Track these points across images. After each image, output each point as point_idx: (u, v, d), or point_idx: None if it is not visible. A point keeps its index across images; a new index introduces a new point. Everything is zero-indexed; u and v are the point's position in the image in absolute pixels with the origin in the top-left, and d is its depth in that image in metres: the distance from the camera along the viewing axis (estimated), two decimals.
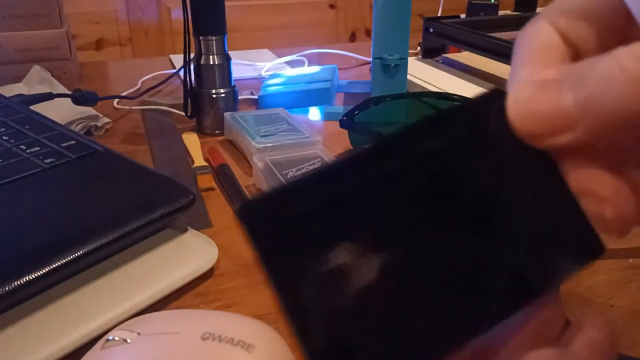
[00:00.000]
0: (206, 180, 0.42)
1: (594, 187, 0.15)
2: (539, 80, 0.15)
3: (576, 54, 0.16)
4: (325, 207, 0.14)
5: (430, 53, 0.74)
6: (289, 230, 0.13)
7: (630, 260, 0.33)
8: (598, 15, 0.15)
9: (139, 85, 0.65)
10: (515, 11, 0.93)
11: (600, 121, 0.13)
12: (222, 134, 0.51)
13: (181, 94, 0.52)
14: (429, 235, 0.14)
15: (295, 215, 0.13)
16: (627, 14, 0.14)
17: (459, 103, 0.17)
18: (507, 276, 0.15)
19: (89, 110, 0.52)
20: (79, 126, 0.50)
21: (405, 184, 0.14)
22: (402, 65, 0.54)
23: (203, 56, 0.50)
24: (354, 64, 0.76)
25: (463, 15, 0.82)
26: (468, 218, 0.15)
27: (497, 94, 0.15)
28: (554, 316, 0.16)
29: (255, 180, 0.41)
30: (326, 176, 0.14)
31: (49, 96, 0.50)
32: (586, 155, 0.15)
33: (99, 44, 1.46)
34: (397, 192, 0.14)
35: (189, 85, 0.51)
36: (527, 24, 0.17)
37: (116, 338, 0.23)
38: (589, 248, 0.16)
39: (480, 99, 0.16)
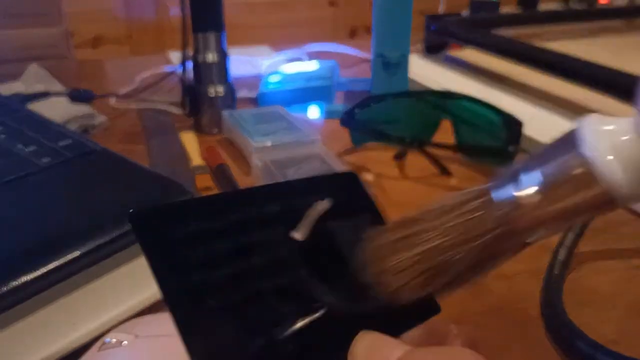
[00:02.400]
0: (204, 180, 0.41)
1: None
2: None
3: None
4: (194, 231, 0.17)
5: (432, 50, 0.73)
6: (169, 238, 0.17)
7: (633, 261, 0.33)
8: None
9: (136, 84, 0.64)
10: (516, 9, 0.93)
11: None
12: (220, 132, 0.51)
13: (179, 92, 0.51)
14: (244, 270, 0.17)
15: (176, 230, 0.17)
16: None
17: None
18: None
19: (86, 109, 0.51)
20: (76, 125, 0.50)
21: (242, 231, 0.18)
22: (403, 63, 0.53)
23: (201, 54, 0.50)
24: (354, 62, 0.76)
25: (465, 13, 0.82)
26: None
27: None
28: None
29: (254, 180, 0.41)
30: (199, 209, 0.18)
31: (46, 94, 0.50)
32: None
33: (97, 42, 1.46)
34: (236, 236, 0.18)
35: (186, 83, 0.51)
36: None
37: (113, 340, 0.23)
38: (426, 308, 0.18)
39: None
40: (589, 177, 0.15)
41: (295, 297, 0.17)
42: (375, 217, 0.20)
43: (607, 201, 0.16)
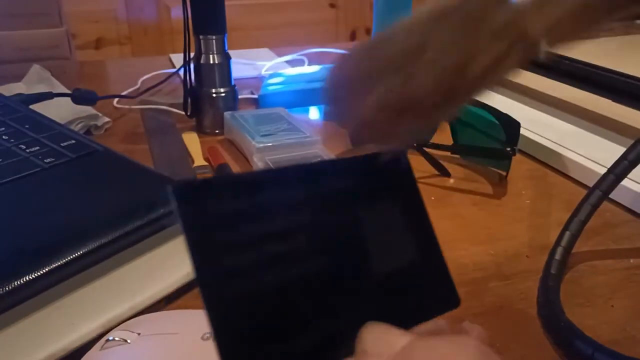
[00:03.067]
0: None
1: None
2: None
3: None
4: (246, 207, 0.16)
5: None
6: (214, 215, 0.16)
7: (631, 260, 0.33)
8: None
9: (138, 85, 0.64)
10: None
11: None
12: (222, 133, 0.51)
13: (181, 93, 0.52)
14: (317, 255, 0.17)
15: (221, 207, 0.16)
16: None
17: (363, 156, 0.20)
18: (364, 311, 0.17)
19: (88, 110, 0.51)
20: (79, 126, 0.50)
21: (309, 209, 0.18)
22: None
23: (203, 55, 0.50)
24: None
25: None
26: (350, 250, 0.18)
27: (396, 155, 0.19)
28: None
29: None
30: (252, 182, 0.17)
31: (48, 95, 0.50)
32: None
33: (99, 43, 1.46)
34: (304, 214, 0.17)
35: (188, 85, 0.51)
36: None
37: (116, 338, 0.23)
38: (446, 300, 0.19)
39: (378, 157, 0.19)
40: None
41: (329, 283, 0.17)
42: (416, 203, 0.20)
43: None
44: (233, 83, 0.52)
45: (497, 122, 0.42)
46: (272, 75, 0.65)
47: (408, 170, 0.20)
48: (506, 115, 0.43)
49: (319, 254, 0.17)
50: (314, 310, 0.17)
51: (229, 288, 0.15)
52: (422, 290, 0.19)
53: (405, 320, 0.17)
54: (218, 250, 0.16)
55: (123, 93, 0.61)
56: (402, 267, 0.19)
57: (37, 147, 0.36)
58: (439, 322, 0.18)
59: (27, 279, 0.25)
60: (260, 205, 0.17)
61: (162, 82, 0.64)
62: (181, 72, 0.52)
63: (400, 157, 0.20)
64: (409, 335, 0.16)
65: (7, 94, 0.46)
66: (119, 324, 0.25)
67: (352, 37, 1.69)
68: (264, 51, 0.80)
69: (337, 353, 0.16)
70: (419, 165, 0.44)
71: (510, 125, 0.42)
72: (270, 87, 0.60)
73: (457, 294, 0.19)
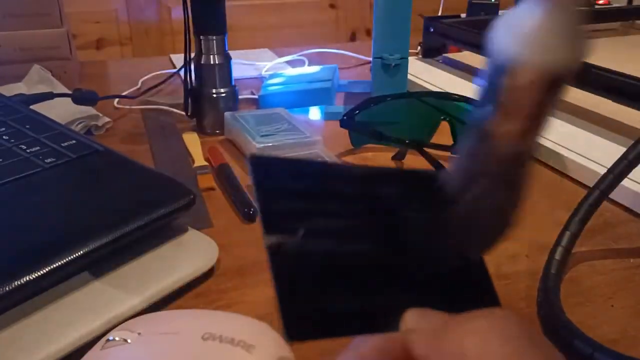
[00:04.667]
0: (207, 180, 0.42)
1: None
2: None
3: None
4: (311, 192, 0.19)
5: (430, 53, 0.73)
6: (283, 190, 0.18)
7: (631, 260, 0.33)
8: None
9: (139, 85, 0.65)
10: None
11: None
12: (222, 133, 0.51)
13: (181, 93, 0.52)
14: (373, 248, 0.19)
15: (290, 183, 0.18)
16: None
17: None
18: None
19: (89, 110, 0.52)
20: (79, 126, 0.50)
21: (364, 202, 0.19)
22: (402, 65, 0.54)
23: (203, 56, 0.50)
24: (354, 64, 0.76)
25: (463, 15, 0.82)
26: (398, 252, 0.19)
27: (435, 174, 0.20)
28: None
29: None
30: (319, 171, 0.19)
31: (49, 96, 0.50)
32: None
33: (99, 44, 1.46)
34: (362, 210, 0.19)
35: (189, 85, 0.51)
36: None
37: (116, 338, 0.23)
38: (486, 304, 0.19)
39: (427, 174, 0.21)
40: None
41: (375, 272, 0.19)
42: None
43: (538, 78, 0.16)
44: (233, 83, 0.52)
45: None
46: (272, 76, 0.65)
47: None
48: None
49: (370, 240, 0.19)
50: (363, 287, 0.18)
51: (291, 246, 0.17)
52: (464, 293, 0.20)
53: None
54: (283, 210, 0.18)
55: (124, 93, 0.61)
56: (445, 270, 0.20)
57: (38, 147, 0.36)
58: None
59: (27, 279, 0.25)
60: (324, 186, 0.19)
61: (162, 83, 0.64)
62: (182, 73, 0.52)
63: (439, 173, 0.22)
64: (448, 315, 0.16)
65: (7, 94, 0.46)
66: (119, 324, 0.25)
67: (352, 37, 1.69)
68: (264, 51, 0.81)
69: (381, 329, 0.17)
70: (418, 165, 0.44)
71: None
72: (271, 88, 0.60)
73: (498, 298, 0.20)
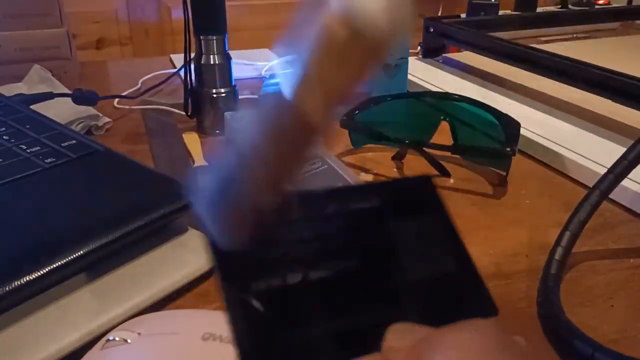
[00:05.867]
0: None
1: None
2: None
3: None
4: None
5: (430, 53, 0.73)
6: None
7: (631, 260, 0.33)
8: None
9: (139, 85, 0.65)
10: (515, 11, 0.93)
11: None
12: (222, 133, 0.51)
13: (182, 93, 0.52)
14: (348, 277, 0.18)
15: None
16: None
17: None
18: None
19: (89, 110, 0.52)
20: (79, 126, 0.50)
21: (339, 222, 0.19)
22: (402, 65, 0.54)
23: (203, 56, 0.50)
24: None
25: (463, 15, 0.82)
26: (379, 267, 0.19)
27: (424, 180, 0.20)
28: None
29: None
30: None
31: (49, 96, 0.50)
32: None
33: (99, 44, 1.46)
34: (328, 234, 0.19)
35: (189, 85, 0.51)
36: None
37: (117, 338, 0.23)
38: (482, 310, 0.19)
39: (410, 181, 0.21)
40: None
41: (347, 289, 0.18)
42: (445, 220, 0.21)
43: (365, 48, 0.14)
44: (233, 83, 0.52)
45: (497, 122, 0.42)
46: (272, 76, 0.65)
47: (433, 191, 0.21)
48: (506, 115, 0.43)
49: (345, 259, 0.18)
50: (339, 309, 0.17)
51: (251, 285, 0.17)
52: (456, 300, 0.19)
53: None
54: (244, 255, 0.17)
55: (124, 93, 0.61)
56: (435, 278, 0.19)
57: (38, 147, 0.36)
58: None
59: (27, 279, 0.25)
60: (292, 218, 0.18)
61: (162, 83, 0.64)
62: (182, 73, 0.52)
63: (426, 180, 0.21)
64: (428, 329, 0.16)
65: (7, 94, 0.46)
66: (119, 324, 0.25)
67: None
68: (265, 52, 0.81)
69: (363, 349, 0.17)
70: (419, 165, 0.44)
71: (510, 125, 0.42)
72: (271, 88, 0.60)
73: (494, 303, 0.19)
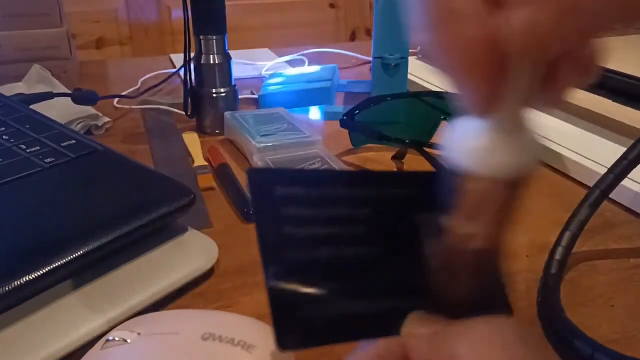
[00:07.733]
0: (207, 180, 0.42)
1: None
2: None
3: None
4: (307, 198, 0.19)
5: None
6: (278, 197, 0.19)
7: (631, 260, 0.33)
8: None
9: (139, 85, 0.65)
10: None
11: None
12: (222, 133, 0.51)
13: (181, 93, 0.52)
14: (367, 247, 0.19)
15: (286, 193, 0.19)
16: None
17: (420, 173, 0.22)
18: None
19: (89, 110, 0.52)
20: (79, 126, 0.50)
21: (368, 209, 0.20)
22: (402, 65, 0.54)
23: (203, 56, 0.50)
24: (354, 64, 0.76)
25: None
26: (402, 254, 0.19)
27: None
28: None
29: None
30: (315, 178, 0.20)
31: (49, 96, 0.50)
32: None
33: (99, 44, 1.46)
34: (361, 213, 0.19)
35: (189, 85, 0.51)
36: None
37: (116, 338, 0.23)
38: (498, 310, 0.19)
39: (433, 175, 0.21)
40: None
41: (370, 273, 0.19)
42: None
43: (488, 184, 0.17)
44: (233, 83, 0.52)
45: None
46: (272, 76, 0.65)
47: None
48: None
49: (373, 244, 0.19)
50: (365, 291, 0.18)
51: (286, 254, 0.18)
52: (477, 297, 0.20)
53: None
54: (280, 222, 0.18)
55: (123, 93, 0.61)
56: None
57: (38, 147, 0.36)
58: None
59: (27, 279, 0.25)
60: (322, 195, 0.19)
61: (162, 83, 0.64)
62: (182, 73, 0.52)
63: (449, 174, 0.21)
64: (446, 320, 0.17)
65: (7, 94, 0.46)
66: (119, 324, 0.25)
67: (352, 37, 1.69)
68: (265, 51, 0.81)
69: (383, 332, 0.17)
70: (419, 165, 0.44)
71: None
72: (271, 88, 0.60)
73: (510, 304, 0.20)
